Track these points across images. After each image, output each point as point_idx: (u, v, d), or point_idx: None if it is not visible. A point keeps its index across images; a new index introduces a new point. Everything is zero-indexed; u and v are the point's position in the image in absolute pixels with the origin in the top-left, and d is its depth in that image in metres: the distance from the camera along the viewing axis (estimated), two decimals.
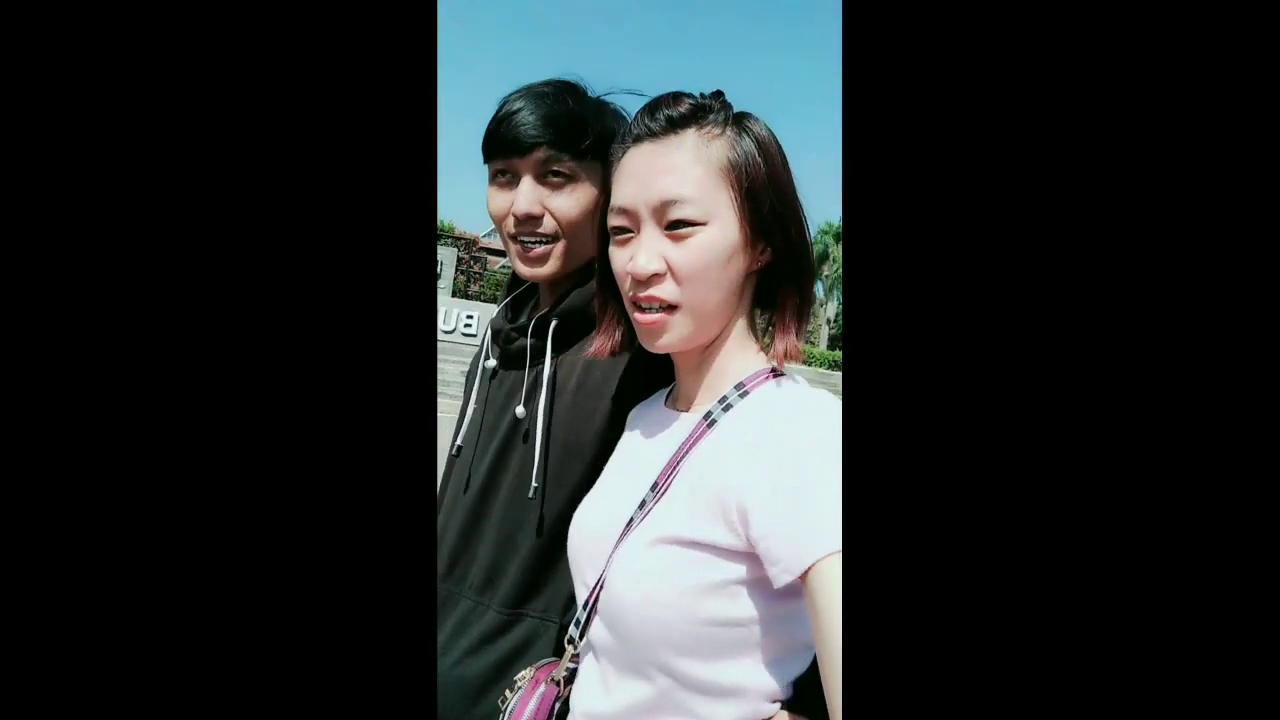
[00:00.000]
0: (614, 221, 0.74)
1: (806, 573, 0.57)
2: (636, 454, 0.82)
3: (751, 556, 0.63)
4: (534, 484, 0.90)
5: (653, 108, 0.73)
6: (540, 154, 0.94)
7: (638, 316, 0.74)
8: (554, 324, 0.98)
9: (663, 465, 0.74)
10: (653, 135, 0.72)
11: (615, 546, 0.72)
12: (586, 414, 0.93)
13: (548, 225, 0.96)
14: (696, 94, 0.75)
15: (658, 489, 0.72)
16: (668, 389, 0.88)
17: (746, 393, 0.74)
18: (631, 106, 0.95)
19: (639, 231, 0.72)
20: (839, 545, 0.55)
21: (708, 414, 0.74)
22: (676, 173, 0.70)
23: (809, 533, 0.57)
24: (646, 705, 0.68)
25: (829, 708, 0.53)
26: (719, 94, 0.76)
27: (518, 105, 0.95)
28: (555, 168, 0.95)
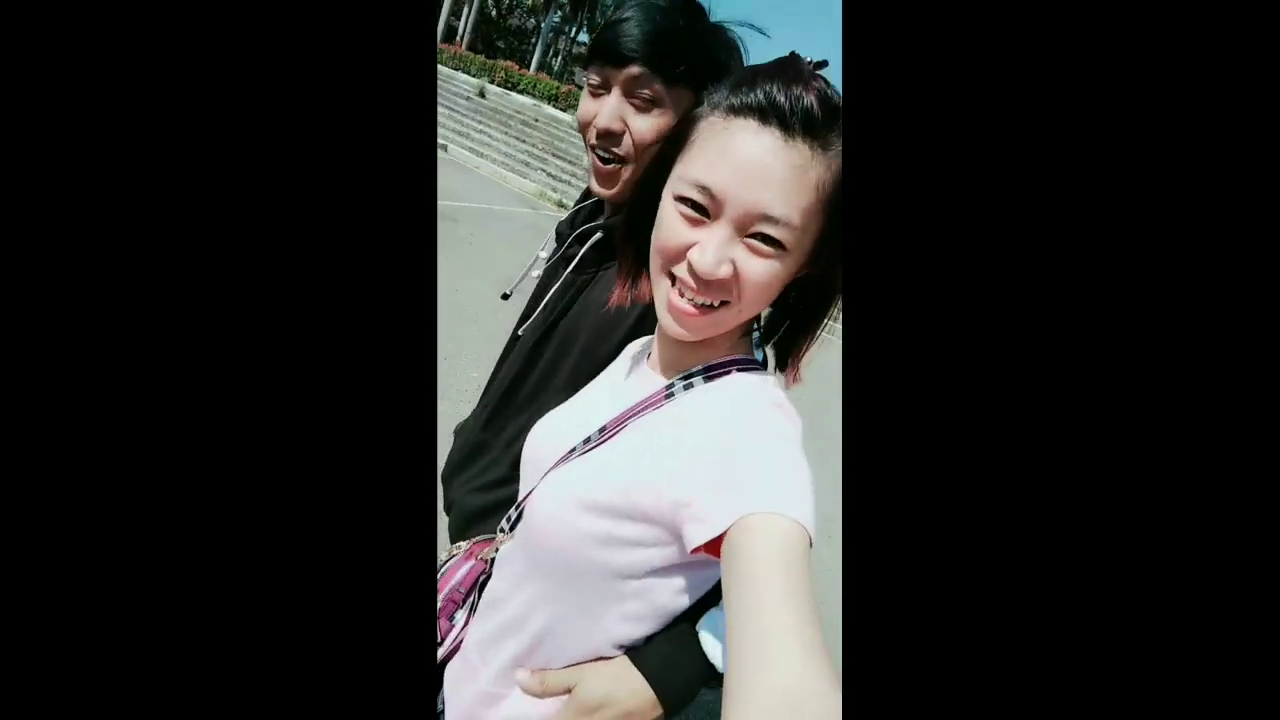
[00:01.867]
0: (686, 192, 0.65)
1: (726, 531, 0.56)
2: (607, 391, 0.86)
3: (659, 527, 0.65)
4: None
5: (787, 81, 0.62)
6: (633, 70, 0.89)
7: (674, 299, 0.68)
8: (596, 236, 0.99)
9: (616, 415, 0.76)
10: (772, 122, 0.62)
11: (552, 465, 0.77)
12: (606, 328, 0.95)
13: (625, 144, 0.93)
14: (827, 83, 0.64)
15: (604, 432, 0.75)
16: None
17: (712, 378, 0.73)
18: (753, 43, 0.93)
19: (713, 221, 0.64)
20: (764, 507, 0.55)
21: (669, 386, 0.75)
22: (787, 192, 0.61)
23: (736, 490, 0.58)
24: (529, 612, 0.74)
25: (731, 668, 0.48)
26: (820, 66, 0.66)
27: (628, 14, 0.90)
28: (644, 89, 0.90)
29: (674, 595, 0.70)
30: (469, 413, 1.16)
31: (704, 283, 0.65)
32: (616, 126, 0.92)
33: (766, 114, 0.62)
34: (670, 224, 0.67)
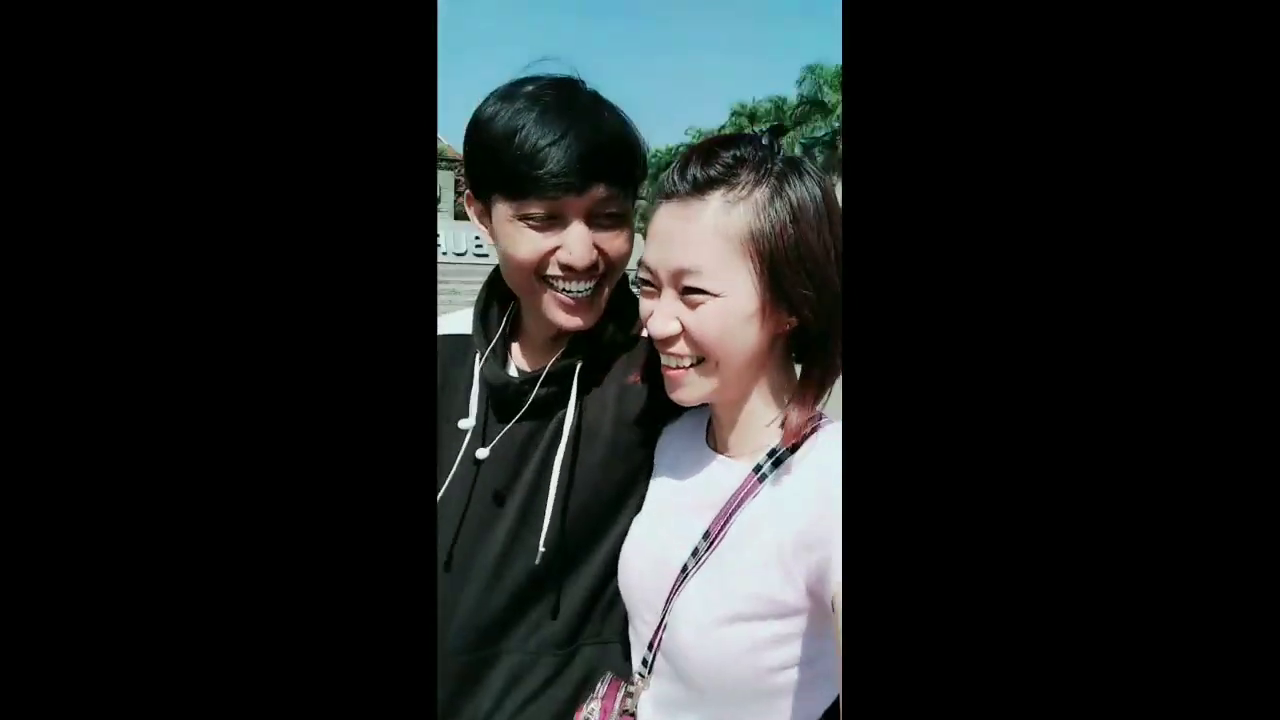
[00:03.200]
0: (640, 274, 0.76)
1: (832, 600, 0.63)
2: (680, 492, 0.84)
3: (802, 608, 0.69)
4: (541, 548, 0.84)
5: (684, 163, 0.72)
6: (599, 192, 0.81)
7: (664, 370, 0.77)
8: (579, 367, 0.91)
9: (713, 514, 0.77)
10: (679, 195, 0.72)
11: (672, 592, 0.76)
12: (625, 451, 0.91)
13: (600, 269, 0.85)
14: (745, 137, 0.74)
15: (710, 538, 0.75)
16: (700, 416, 0.88)
17: (796, 446, 0.75)
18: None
19: (659, 291, 0.74)
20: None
21: (757, 468, 0.76)
22: (692, 244, 0.70)
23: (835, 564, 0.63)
24: None
25: None
26: (776, 133, 0.74)
27: (548, 135, 0.78)
28: (610, 208, 0.83)
29: (824, 661, 0.72)
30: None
31: (662, 343, 0.74)
32: (593, 257, 0.83)
33: (671, 190, 0.72)
34: (641, 304, 0.78)
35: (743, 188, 0.70)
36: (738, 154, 0.72)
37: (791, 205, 0.70)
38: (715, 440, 0.84)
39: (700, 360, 0.74)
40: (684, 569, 0.76)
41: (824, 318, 0.72)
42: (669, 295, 0.73)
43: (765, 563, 0.70)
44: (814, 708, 0.73)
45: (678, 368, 0.75)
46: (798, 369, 0.79)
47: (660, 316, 0.73)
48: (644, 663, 0.81)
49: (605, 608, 0.90)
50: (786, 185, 0.71)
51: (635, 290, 0.81)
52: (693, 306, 0.72)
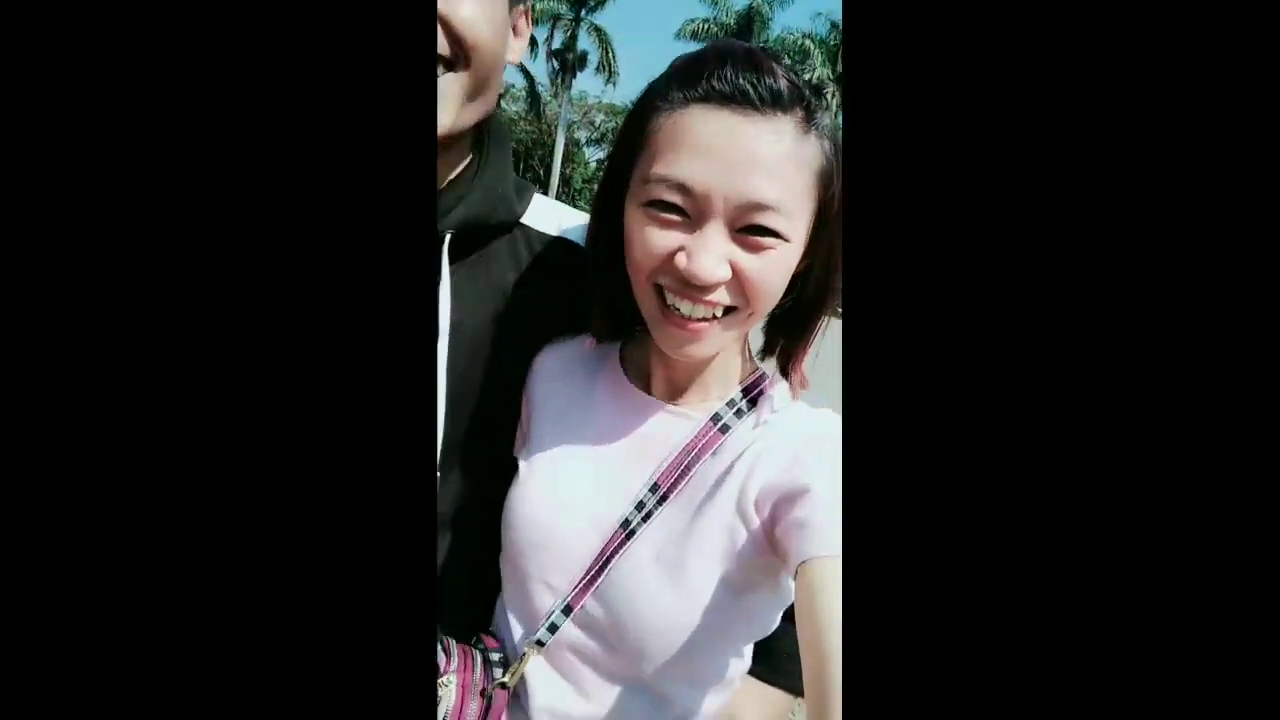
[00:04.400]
0: (659, 194, 0.59)
1: (796, 570, 0.57)
2: (603, 438, 0.73)
3: (763, 558, 0.64)
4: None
5: (747, 66, 0.57)
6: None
7: (671, 319, 0.62)
8: (448, 238, 0.77)
9: (654, 465, 0.69)
10: (744, 104, 0.57)
11: (608, 555, 0.67)
12: (496, 366, 0.80)
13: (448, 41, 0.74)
14: (781, 59, 0.60)
15: (660, 491, 0.67)
16: (585, 344, 0.78)
17: (754, 400, 0.71)
18: None
19: (700, 222, 0.59)
20: (825, 550, 0.55)
21: (716, 417, 0.70)
22: (775, 173, 0.57)
23: (808, 532, 0.57)
24: (631, 704, 0.69)
25: (811, 701, 0.51)
26: (819, 89, 0.61)
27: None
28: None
29: (770, 612, 0.71)
30: None
31: (701, 289, 0.60)
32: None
33: (732, 97, 0.57)
34: (645, 234, 0.61)
35: (816, 114, 0.59)
36: (789, 70, 0.59)
37: (835, 145, 0.61)
38: (654, 386, 0.74)
39: (729, 310, 0.63)
40: (626, 524, 0.68)
41: (828, 276, 0.66)
42: (718, 230, 0.59)
43: (728, 517, 0.65)
44: (740, 661, 0.73)
45: (702, 319, 0.62)
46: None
47: (711, 257, 0.58)
48: (550, 629, 0.71)
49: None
50: (825, 122, 0.61)
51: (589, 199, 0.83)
52: (755, 249, 0.59)
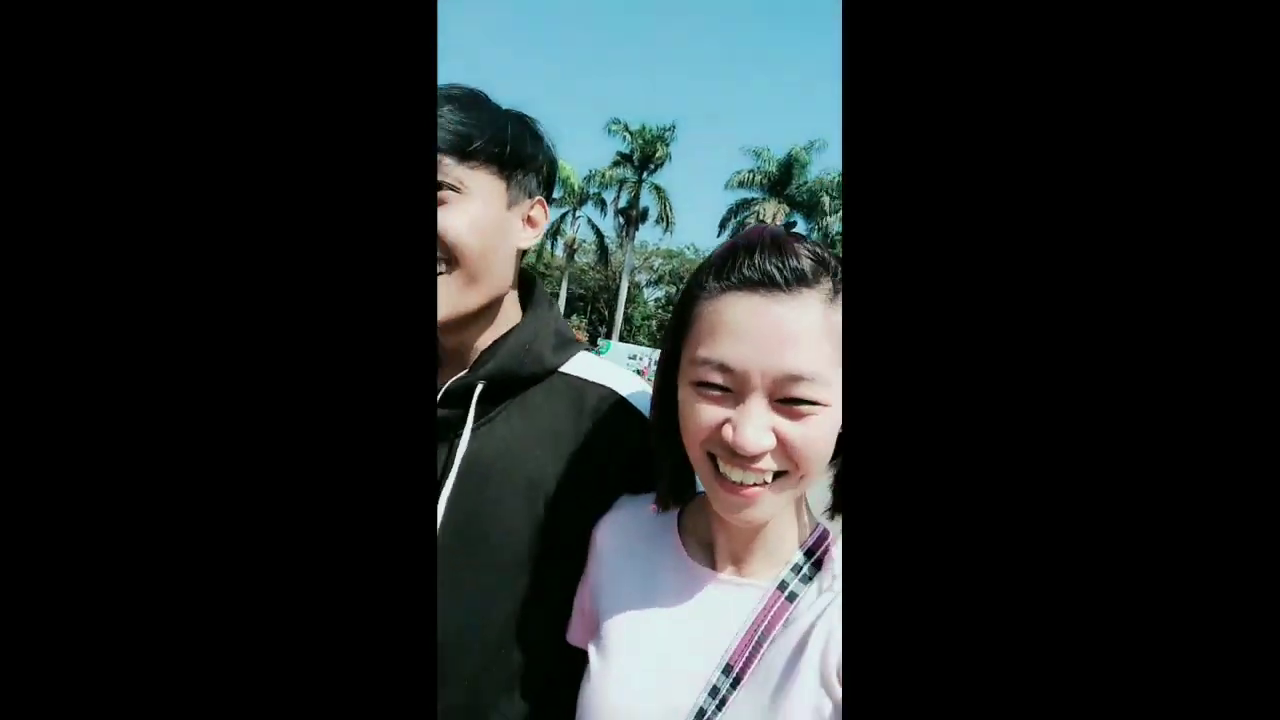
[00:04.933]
0: (704, 376, 0.63)
1: None
2: (670, 620, 0.73)
3: None
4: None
5: (770, 252, 0.62)
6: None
7: (725, 486, 0.65)
8: (480, 388, 0.83)
9: (724, 644, 0.68)
10: (771, 286, 0.62)
11: None
12: (519, 508, 0.82)
13: (443, 247, 0.80)
14: (805, 239, 0.66)
15: (733, 673, 0.66)
16: (641, 515, 0.81)
17: (819, 561, 0.71)
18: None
19: (742, 396, 0.62)
20: None
21: (782, 585, 0.70)
22: (805, 346, 0.61)
23: None
24: None
25: None
26: (830, 248, 0.66)
27: None
28: (444, 178, 0.79)
29: None
30: None
31: (749, 458, 0.62)
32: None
33: (756, 279, 0.62)
34: (695, 410, 0.65)
35: (835, 285, 0.63)
36: (812, 247, 0.65)
37: None
38: (717, 557, 0.74)
39: (780, 474, 0.65)
40: (701, 715, 0.66)
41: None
42: (759, 402, 0.62)
43: (811, 693, 0.63)
44: None
45: (753, 485, 0.64)
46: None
47: (754, 428, 0.61)
48: None
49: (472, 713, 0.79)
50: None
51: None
52: (797, 418, 0.62)
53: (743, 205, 31.82)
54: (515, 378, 0.87)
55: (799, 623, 0.68)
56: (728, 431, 0.63)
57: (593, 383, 0.90)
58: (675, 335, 0.70)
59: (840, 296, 0.63)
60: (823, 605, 0.68)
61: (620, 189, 33.17)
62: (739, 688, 0.66)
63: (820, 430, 0.63)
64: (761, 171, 31.52)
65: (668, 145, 32.40)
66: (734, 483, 0.65)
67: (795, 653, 0.65)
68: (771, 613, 0.69)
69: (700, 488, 0.74)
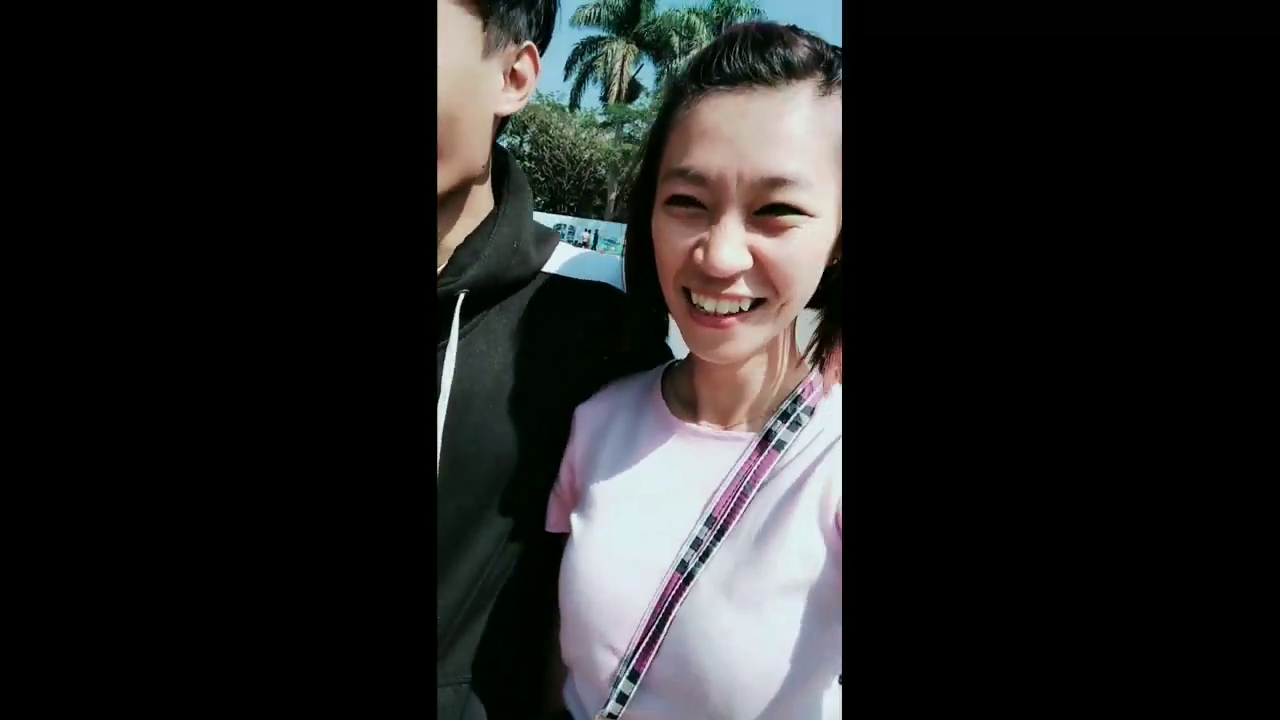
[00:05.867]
0: (674, 189, 0.57)
1: None
2: (649, 479, 0.70)
3: (829, 569, 0.60)
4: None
5: (757, 44, 0.55)
6: None
7: (698, 318, 0.59)
8: (461, 298, 0.72)
9: (706, 496, 0.65)
10: (755, 81, 0.54)
11: (667, 605, 0.62)
12: (509, 422, 0.74)
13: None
14: (798, 30, 0.58)
15: (716, 524, 0.63)
16: (640, 385, 0.76)
17: (811, 409, 0.66)
18: None
19: (716, 213, 0.56)
20: None
21: (769, 434, 0.66)
22: (791, 144, 0.53)
23: None
24: None
25: None
26: (833, 48, 0.57)
27: None
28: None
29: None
30: None
31: (721, 282, 0.56)
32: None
33: (738, 74, 0.55)
34: (667, 234, 0.59)
35: (835, 77, 0.55)
36: (808, 36, 0.57)
37: None
38: (701, 413, 0.70)
39: (758, 303, 0.58)
40: (684, 566, 0.63)
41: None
42: (734, 217, 0.55)
43: (805, 540, 0.60)
44: (835, 696, 0.65)
45: (727, 315, 0.58)
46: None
47: (730, 245, 0.54)
48: (620, 699, 0.64)
49: (463, 633, 0.76)
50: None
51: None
52: (775, 231, 0.55)
53: (589, 45, 30.32)
54: (501, 284, 0.76)
55: (788, 470, 0.65)
56: (698, 254, 0.57)
57: (585, 283, 0.81)
58: (649, 157, 0.63)
59: (838, 91, 0.56)
60: (818, 450, 0.64)
61: None
62: (723, 538, 0.63)
63: (804, 247, 0.56)
64: (608, 5, 29.87)
65: None
66: (708, 314, 0.59)
67: (785, 500, 0.63)
68: (758, 463, 0.65)
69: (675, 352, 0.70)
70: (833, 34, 0.57)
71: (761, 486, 0.64)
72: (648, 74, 31.24)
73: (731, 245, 0.55)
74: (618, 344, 0.77)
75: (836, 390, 0.67)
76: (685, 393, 0.74)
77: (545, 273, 0.82)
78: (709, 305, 0.59)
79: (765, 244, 0.56)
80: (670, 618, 0.62)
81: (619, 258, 0.78)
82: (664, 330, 0.75)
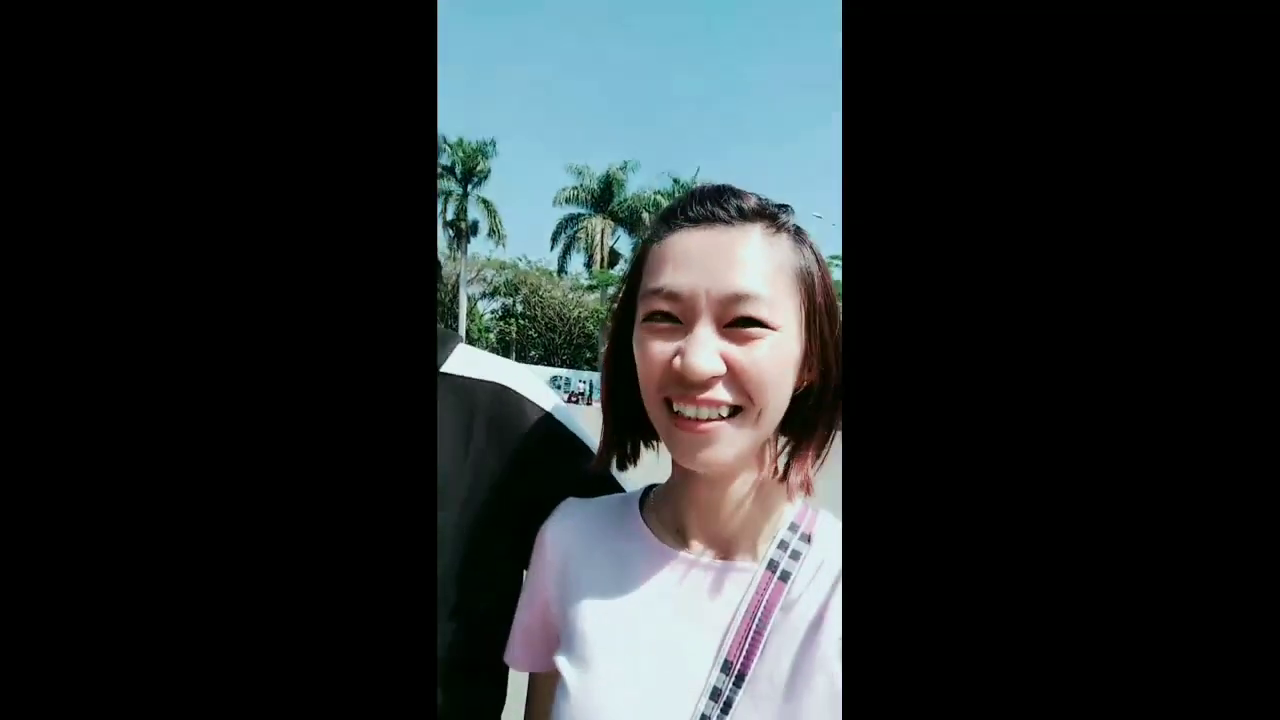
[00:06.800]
0: (652, 306, 0.62)
1: None
2: (652, 619, 0.66)
3: None
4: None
5: (714, 196, 0.64)
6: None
7: (680, 424, 0.61)
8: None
9: (728, 636, 0.62)
10: (715, 221, 0.62)
11: None
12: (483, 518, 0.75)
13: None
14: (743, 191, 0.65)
15: (733, 670, 0.60)
16: (608, 508, 0.74)
17: (808, 536, 0.66)
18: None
19: (690, 325, 0.60)
20: None
21: (772, 564, 0.64)
22: (749, 266, 0.60)
23: None
24: None
25: None
26: (783, 205, 0.66)
27: None
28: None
29: None
30: None
31: (700, 387, 0.59)
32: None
33: (700, 216, 0.63)
34: (647, 348, 0.63)
35: (780, 225, 0.64)
36: (759, 197, 0.65)
37: (815, 256, 0.65)
38: (691, 541, 0.68)
39: (736, 411, 0.61)
40: None
41: (834, 379, 0.65)
42: (706, 328, 0.60)
43: (828, 686, 0.58)
44: None
45: (708, 420, 0.60)
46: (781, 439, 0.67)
47: (703, 352, 0.59)
48: None
49: None
50: (802, 238, 0.65)
51: (605, 327, 0.74)
52: (743, 341, 0.60)
53: (571, 220, 34.21)
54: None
55: (800, 607, 0.62)
56: (677, 361, 0.59)
57: (480, 381, 0.81)
58: (630, 285, 0.68)
59: (783, 234, 0.63)
60: (826, 585, 0.63)
61: (446, 202, 33.35)
62: (743, 686, 0.60)
63: (770, 355, 0.60)
64: (584, 189, 33.42)
65: (488, 159, 32.44)
66: (689, 419, 0.61)
67: (807, 643, 0.60)
68: (766, 596, 0.62)
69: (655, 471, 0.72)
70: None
71: (774, 625, 0.62)
72: (624, 244, 35.12)
73: (705, 351, 0.59)
74: (532, 454, 0.77)
75: (824, 519, 0.69)
76: (670, 519, 0.70)
77: (444, 373, 0.82)
78: (690, 411, 0.61)
79: (736, 352, 0.60)
80: None
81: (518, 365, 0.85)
82: (634, 456, 0.74)
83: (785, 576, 0.63)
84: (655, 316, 0.62)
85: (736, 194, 0.64)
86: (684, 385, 0.60)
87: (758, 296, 0.59)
